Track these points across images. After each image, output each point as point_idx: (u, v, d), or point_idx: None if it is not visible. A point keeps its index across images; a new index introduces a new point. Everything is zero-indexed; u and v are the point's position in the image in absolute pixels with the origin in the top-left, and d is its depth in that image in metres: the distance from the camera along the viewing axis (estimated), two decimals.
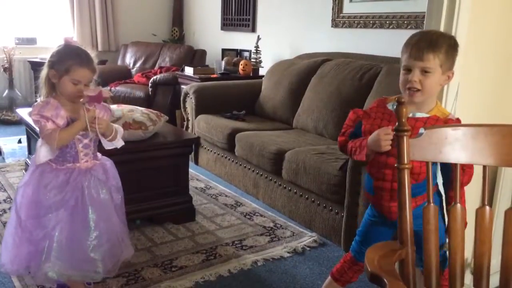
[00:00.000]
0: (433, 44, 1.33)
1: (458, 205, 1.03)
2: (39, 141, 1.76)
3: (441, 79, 1.37)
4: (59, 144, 1.70)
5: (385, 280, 0.81)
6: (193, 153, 3.78)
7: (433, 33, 1.40)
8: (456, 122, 1.36)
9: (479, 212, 1.02)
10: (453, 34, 1.60)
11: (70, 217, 1.74)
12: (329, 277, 1.73)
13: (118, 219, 1.87)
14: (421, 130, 1.04)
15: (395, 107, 1.38)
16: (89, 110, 1.72)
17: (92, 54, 1.80)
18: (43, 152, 1.72)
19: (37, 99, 1.81)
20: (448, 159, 1.03)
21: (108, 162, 1.91)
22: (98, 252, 1.77)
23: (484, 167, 1.01)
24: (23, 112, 3.12)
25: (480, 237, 1.01)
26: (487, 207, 1.02)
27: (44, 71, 1.75)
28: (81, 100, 1.74)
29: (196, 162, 3.86)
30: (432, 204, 1.04)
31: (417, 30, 2.54)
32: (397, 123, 1.02)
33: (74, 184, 1.75)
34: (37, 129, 1.80)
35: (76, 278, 1.81)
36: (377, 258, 0.91)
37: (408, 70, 1.36)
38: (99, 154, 1.89)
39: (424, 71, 1.34)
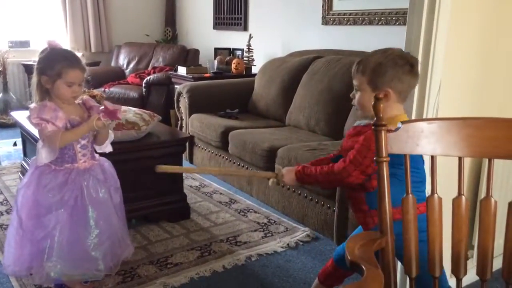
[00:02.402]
0: (361, 63, 1.41)
1: (436, 195, 1.07)
2: (39, 143, 1.80)
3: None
4: (62, 145, 1.74)
5: (363, 267, 0.85)
6: (187, 152, 3.82)
7: (371, 53, 1.44)
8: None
9: (455, 202, 1.06)
10: (434, 29, 1.63)
11: (70, 217, 1.78)
12: (316, 279, 1.76)
13: (118, 218, 1.91)
14: (399, 125, 1.08)
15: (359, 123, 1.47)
16: (100, 119, 1.76)
17: (78, 54, 1.84)
18: (44, 154, 1.76)
19: (31, 104, 1.83)
20: (425, 151, 1.07)
21: (106, 163, 1.95)
22: (99, 250, 1.81)
23: (460, 158, 1.05)
24: (19, 115, 3.15)
25: (457, 224, 1.06)
26: (463, 197, 1.06)
27: (34, 78, 1.78)
28: (100, 108, 1.80)
29: (191, 160, 3.90)
30: (410, 195, 1.08)
31: (405, 26, 2.56)
32: (375, 118, 1.06)
33: (73, 184, 1.79)
34: (37, 132, 1.84)
35: (78, 277, 1.85)
36: (357, 246, 0.95)
37: None
38: (96, 155, 1.93)
39: (357, 90, 1.44)
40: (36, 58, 1.82)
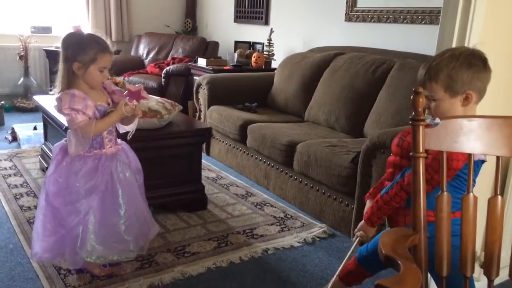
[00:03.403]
0: (430, 70, 1.31)
1: (471, 194, 1.06)
2: (70, 133, 1.81)
3: (453, 102, 1.31)
4: (95, 135, 1.76)
5: (400, 262, 0.84)
6: (205, 143, 3.83)
7: (437, 57, 1.33)
8: None
9: (491, 202, 1.05)
10: (468, 30, 1.61)
11: (102, 202, 1.80)
12: (336, 275, 1.75)
13: (143, 199, 1.94)
14: (437, 120, 1.07)
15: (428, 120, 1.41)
16: (127, 104, 1.77)
17: (103, 37, 1.83)
18: (76, 144, 1.77)
19: (55, 92, 1.82)
20: (463, 149, 1.05)
21: (124, 145, 1.97)
22: (131, 232, 1.85)
23: (498, 157, 1.04)
24: (41, 99, 3.18)
25: (491, 225, 1.04)
26: (499, 197, 1.04)
27: (63, 66, 1.75)
28: (124, 93, 1.80)
29: (208, 152, 3.91)
30: (445, 192, 1.07)
31: (430, 25, 2.51)
32: (413, 112, 1.04)
33: (103, 170, 1.80)
34: (63, 119, 1.85)
35: (112, 258, 1.88)
36: (391, 242, 0.95)
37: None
38: (118, 139, 1.95)
39: (431, 100, 1.34)
40: (59, 44, 1.78)
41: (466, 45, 1.63)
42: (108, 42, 1.82)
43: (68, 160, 1.80)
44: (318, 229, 2.60)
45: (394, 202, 1.40)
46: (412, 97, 1.03)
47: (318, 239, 2.50)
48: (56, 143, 1.95)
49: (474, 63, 1.29)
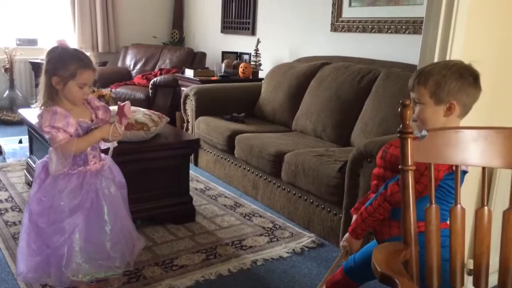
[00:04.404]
0: (422, 74, 1.33)
1: (459, 206, 1.06)
2: (51, 151, 1.78)
3: (436, 110, 1.32)
4: (77, 152, 1.74)
5: (397, 280, 0.84)
6: (193, 154, 3.81)
7: (431, 64, 1.36)
8: None
9: (479, 213, 1.05)
10: (450, 39, 1.63)
11: (87, 220, 1.77)
12: (324, 286, 1.75)
13: (127, 213, 1.92)
14: (424, 132, 1.07)
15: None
16: (116, 128, 1.77)
17: (88, 54, 1.82)
18: (57, 163, 1.74)
19: (37, 106, 1.79)
20: (449, 161, 1.06)
21: (109, 159, 1.94)
22: (117, 249, 1.82)
23: (483, 168, 1.05)
24: (26, 113, 3.15)
25: (479, 236, 1.04)
26: (486, 208, 1.05)
27: (43, 79, 1.73)
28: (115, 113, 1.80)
29: (196, 163, 3.89)
30: (434, 205, 1.06)
31: (414, 35, 2.52)
32: (401, 125, 1.04)
33: (88, 187, 1.78)
34: (47, 138, 1.82)
35: (99, 276, 1.85)
36: (385, 258, 0.94)
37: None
38: (102, 154, 1.92)
39: (417, 103, 1.35)
40: (44, 57, 1.76)
41: (448, 54, 1.66)
42: (93, 58, 1.80)
43: (51, 179, 1.76)
44: (307, 239, 2.60)
45: (377, 214, 1.40)
46: (399, 109, 1.03)
47: (307, 249, 2.50)
48: (38, 161, 1.92)
49: (464, 76, 1.31)
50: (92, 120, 1.81)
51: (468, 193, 1.40)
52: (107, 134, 1.78)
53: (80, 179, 1.77)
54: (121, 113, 1.81)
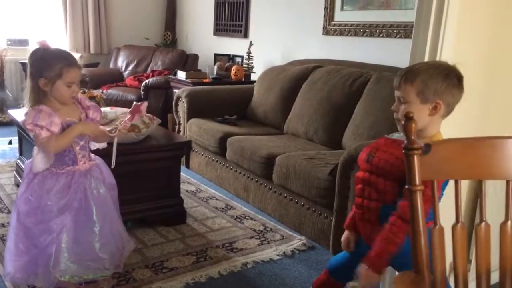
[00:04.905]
0: (409, 72, 1.33)
1: (483, 223, 1.03)
2: (35, 149, 1.76)
3: (422, 109, 1.33)
4: (57, 150, 1.70)
5: None
6: (184, 156, 3.80)
7: (419, 64, 1.37)
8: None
9: (503, 228, 1.03)
10: (439, 42, 1.65)
11: (75, 219, 1.76)
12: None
13: (117, 215, 1.90)
14: (425, 149, 1.01)
15: (395, 136, 1.42)
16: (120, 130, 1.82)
17: (76, 55, 1.81)
18: (39, 160, 1.72)
19: (22, 105, 1.77)
20: (469, 176, 1.02)
21: (99, 160, 1.93)
22: (106, 250, 1.81)
23: (508, 182, 1.01)
24: (15, 114, 3.12)
25: (504, 252, 1.02)
26: (509, 222, 1.01)
27: (29, 82, 1.70)
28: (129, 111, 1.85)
29: (187, 165, 3.88)
30: (438, 225, 1.01)
31: (406, 39, 2.54)
32: (405, 141, 0.99)
33: (76, 187, 1.76)
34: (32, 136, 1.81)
35: (87, 277, 1.83)
36: None
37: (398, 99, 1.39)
38: (92, 154, 1.91)
39: (402, 101, 1.35)
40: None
41: (438, 57, 1.67)
42: (76, 56, 1.80)
43: (40, 178, 1.75)
44: (298, 241, 2.60)
45: (399, 239, 1.30)
46: (403, 123, 0.99)
47: (297, 251, 2.50)
48: (27, 161, 1.90)
49: (450, 77, 1.33)
50: (80, 120, 1.80)
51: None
52: (88, 130, 1.75)
53: (69, 179, 1.76)
54: (136, 110, 1.84)
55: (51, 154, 1.70)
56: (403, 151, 1.01)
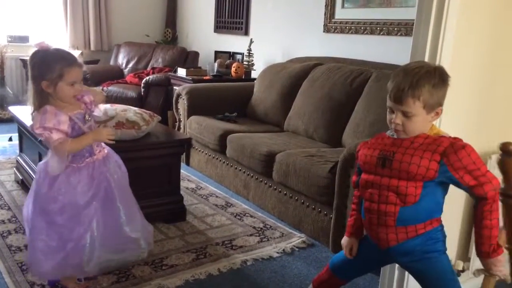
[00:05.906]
0: (413, 87, 1.30)
1: None
2: (49, 152, 1.80)
3: (427, 118, 1.35)
4: (70, 153, 1.75)
5: None
6: (184, 154, 3.80)
7: (415, 73, 1.32)
8: (451, 139, 1.32)
9: None
10: (440, 41, 1.64)
11: (103, 207, 1.81)
12: (311, 285, 1.74)
13: (132, 197, 1.98)
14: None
15: (392, 134, 1.42)
16: (107, 126, 1.81)
17: (76, 52, 1.84)
18: (55, 164, 1.75)
19: (31, 112, 1.78)
20: None
21: (108, 148, 1.97)
22: (136, 230, 1.89)
23: None
24: (16, 110, 3.13)
25: None
26: None
27: (32, 85, 1.71)
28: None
29: (187, 163, 3.89)
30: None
31: (406, 37, 2.55)
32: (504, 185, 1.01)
33: (99, 176, 1.82)
34: (42, 140, 1.85)
35: (124, 260, 1.92)
36: None
37: (392, 110, 1.37)
38: (102, 143, 1.92)
39: (406, 115, 1.33)
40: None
41: (438, 56, 1.66)
42: (76, 53, 1.81)
43: (63, 176, 1.77)
44: (297, 239, 2.60)
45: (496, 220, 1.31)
46: (500, 158, 1.00)
47: (297, 249, 2.50)
48: (40, 162, 1.92)
49: (446, 80, 1.35)
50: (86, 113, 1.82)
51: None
52: (100, 136, 1.82)
53: (90, 170, 1.80)
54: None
55: (64, 157, 1.74)
56: (501, 198, 1.03)
